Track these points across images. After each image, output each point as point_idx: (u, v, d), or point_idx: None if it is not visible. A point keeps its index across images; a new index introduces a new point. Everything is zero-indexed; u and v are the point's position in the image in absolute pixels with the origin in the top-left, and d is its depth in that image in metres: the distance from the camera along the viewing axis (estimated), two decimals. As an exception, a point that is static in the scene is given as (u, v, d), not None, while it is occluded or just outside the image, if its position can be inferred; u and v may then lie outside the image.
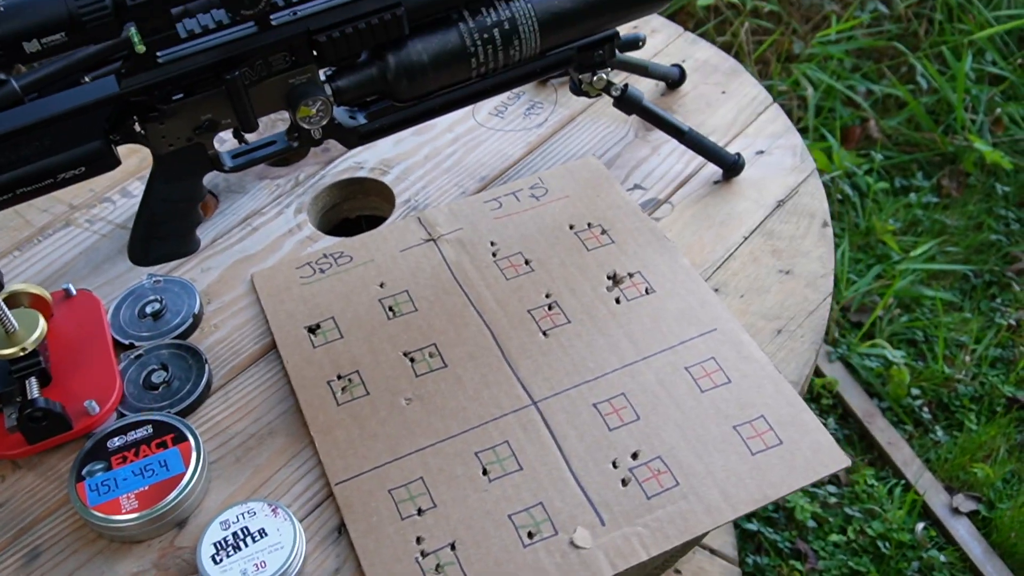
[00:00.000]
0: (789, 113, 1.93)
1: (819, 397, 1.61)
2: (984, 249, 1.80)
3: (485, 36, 0.77)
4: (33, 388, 0.72)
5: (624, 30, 1.04)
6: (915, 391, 1.61)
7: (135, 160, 0.96)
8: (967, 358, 1.64)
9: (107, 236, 0.90)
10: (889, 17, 2.01)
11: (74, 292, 0.82)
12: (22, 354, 0.71)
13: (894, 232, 1.78)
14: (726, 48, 1.93)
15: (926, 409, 1.59)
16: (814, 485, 1.51)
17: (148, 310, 0.82)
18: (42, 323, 0.72)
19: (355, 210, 0.97)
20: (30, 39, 0.63)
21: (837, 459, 0.72)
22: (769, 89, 1.93)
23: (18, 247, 0.91)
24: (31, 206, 0.94)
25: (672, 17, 1.94)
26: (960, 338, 1.67)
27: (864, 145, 1.94)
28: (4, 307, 0.70)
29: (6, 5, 0.63)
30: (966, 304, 1.73)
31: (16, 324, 0.71)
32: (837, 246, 1.75)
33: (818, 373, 1.63)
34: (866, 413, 1.58)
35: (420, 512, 0.69)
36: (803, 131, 1.89)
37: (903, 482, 1.49)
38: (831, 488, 1.51)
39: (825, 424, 1.56)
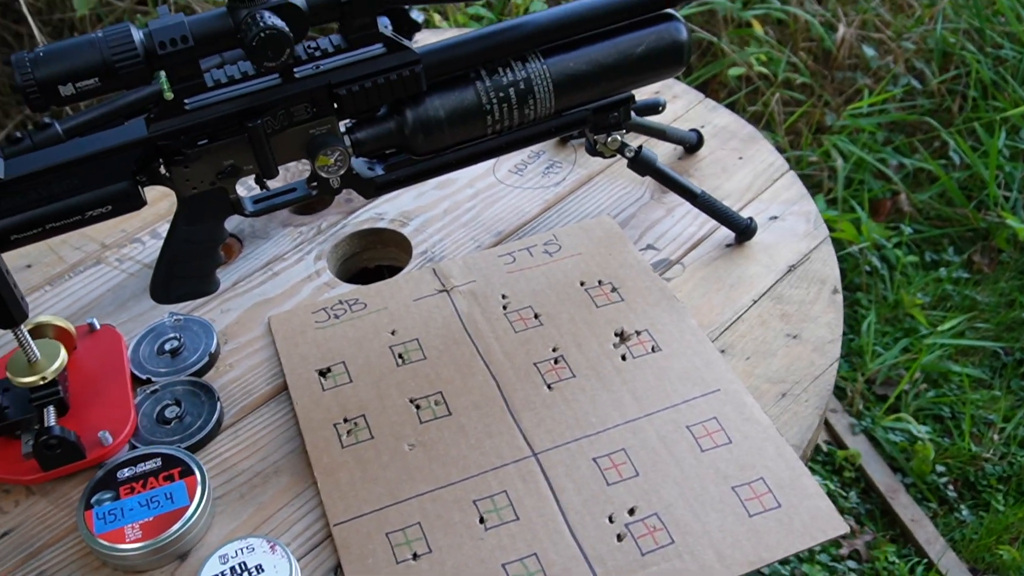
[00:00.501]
0: (819, 184, 1.94)
1: (841, 470, 1.59)
2: (1015, 327, 1.79)
3: (501, 95, 0.79)
4: (50, 416, 0.74)
5: (646, 95, 1.06)
6: (940, 468, 1.58)
7: (166, 204, 1.00)
8: (995, 436, 1.61)
9: (135, 275, 0.94)
10: (922, 92, 2.03)
11: (98, 327, 0.84)
12: (42, 383, 0.74)
13: (922, 306, 1.77)
14: (757, 118, 1.95)
15: (951, 487, 1.57)
16: (833, 559, 1.49)
17: (167, 347, 0.84)
18: (63, 354, 0.75)
19: (374, 260, 1.00)
20: (65, 83, 0.66)
21: (836, 525, 0.71)
22: (799, 160, 1.94)
23: (50, 282, 0.94)
24: (65, 243, 0.97)
25: (704, 86, 1.97)
26: (988, 416, 1.65)
27: (894, 218, 1.94)
28: (28, 337, 0.73)
29: (45, 50, 0.66)
30: (996, 382, 1.71)
31: (38, 354, 0.74)
32: (863, 318, 1.75)
33: (841, 445, 1.62)
34: (889, 488, 1.56)
35: (415, 557, 0.70)
36: (832, 202, 1.89)
37: (925, 561, 1.46)
38: (851, 563, 1.48)
39: (846, 498, 1.55)
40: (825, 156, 1.95)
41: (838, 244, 1.86)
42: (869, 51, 2.01)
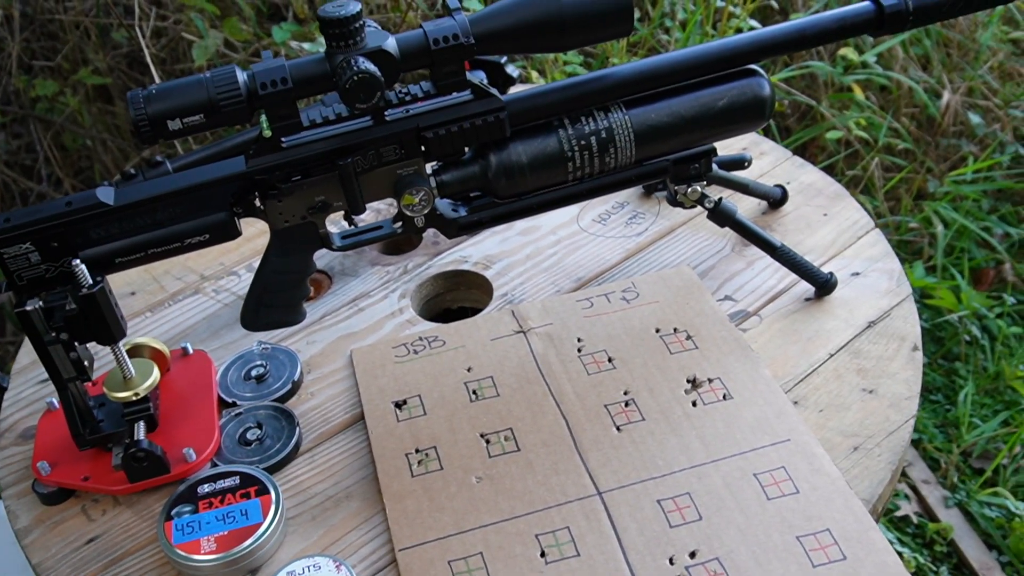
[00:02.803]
0: (919, 251, 1.90)
1: (932, 543, 1.54)
2: (1125, 405, 1.71)
3: (583, 143, 0.82)
4: (140, 431, 0.79)
5: (733, 150, 1.08)
6: (1039, 547, 1.51)
7: (262, 240, 1.05)
8: (1100, 518, 1.54)
9: (228, 305, 0.99)
10: (1030, 161, 1.98)
11: (191, 351, 0.89)
12: (134, 399, 0.78)
13: (1025, 379, 1.71)
14: (855, 182, 1.93)
15: (1050, 568, 1.50)
16: (920, 635, 1.43)
17: (253, 373, 0.89)
18: (155, 373, 0.79)
19: (456, 301, 1.03)
20: (174, 118, 0.72)
21: (902, 581, 0.70)
22: (898, 225, 1.91)
23: (151, 308, 1.00)
24: (167, 274, 1.03)
25: (802, 149, 1.96)
26: (1093, 496, 1.57)
27: (997, 288, 1.89)
28: (124, 355, 0.78)
29: (157, 88, 0.72)
30: (1102, 461, 1.63)
31: (133, 371, 0.79)
32: (960, 388, 1.70)
33: (933, 518, 1.57)
34: (983, 565, 1.50)
35: (475, 586, 0.71)
36: (931, 269, 1.86)
37: (1020, 643, 1.40)
38: (939, 641, 1.43)
39: (936, 572, 1.50)
40: (926, 223, 1.91)
41: (936, 312, 1.82)
42: (975, 118, 1.98)
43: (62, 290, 0.76)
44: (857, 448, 0.79)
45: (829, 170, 1.95)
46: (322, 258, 1.01)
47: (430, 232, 1.04)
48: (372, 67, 0.72)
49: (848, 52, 1.89)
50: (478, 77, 0.81)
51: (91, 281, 0.74)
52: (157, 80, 1.56)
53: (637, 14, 1.91)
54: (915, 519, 1.56)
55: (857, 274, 0.95)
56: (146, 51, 1.54)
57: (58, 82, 1.83)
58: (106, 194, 0.76)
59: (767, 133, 1.91)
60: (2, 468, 0.85)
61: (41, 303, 0.74)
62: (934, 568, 1.51)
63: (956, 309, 1.76)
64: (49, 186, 1.91)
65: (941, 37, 2.07)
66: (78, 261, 0.74)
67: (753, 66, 0.86)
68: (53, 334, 0.74)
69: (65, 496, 0.81)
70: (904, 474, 1.62)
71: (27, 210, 0.75)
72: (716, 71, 0.85)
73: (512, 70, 0.97)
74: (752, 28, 1.83)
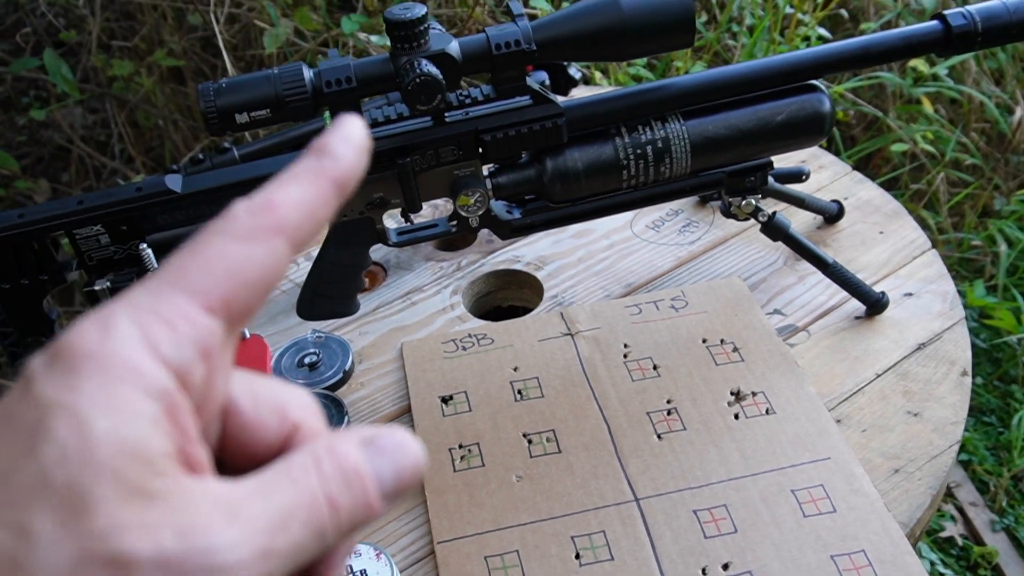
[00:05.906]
0: (980, 270, 1.87)
1: (976, 567, 1.52)
2: None
3: (638, 152, 0.83)
4: (195, 411, 0.82)
5: (792, 163, 1.08)
6: (1087, 578, 1.49)
7: (321, 232, 1.07)
8: None
9: (286, 292, 1.01)
10: (1103, 183, 1.94)
11: (248, 335, 0.92)
12: (191, 380, 0.81)
13: (1083, 405, 1.68)
14: (919, 196, 1.91)
15: (1098, 600, 1.47)
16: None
17: (306, 360, 0.91)
18: (213, 356, 0.82)
19: (507, 300, 1.04)
20: (241, 112, 0.74)
21: (935, 607, 0.70)
22: (960, 242, 1.89)
23: (211, 292, 1.03)
24: (229, 258, 1.06)
25: (866, 160, 1.94)
26: None
27: (1061, 311, 1.85)
28: (184, 337, 0.81)
29: (227, 82, 0.74)
30: None
31: (191, 354, 0.82)
32: (1016, 411, 1.67)
33: (979, 541, 1.55)
34: (1028, 592, 1.48)
35: (509, 582, 0.73)
36: (992, 289, 1.83)
37: (1061, 674, 1.38)
38: (978, 666, 1.41)
39: (978, 596, 1.48)
40: (989, 241, 1.88)
41: (995, 333, 1.79)
42: (1047, 136, 1.94)
43: (129, 271, 0.79)
44: (898, 471, 0.79)
45: (893, 182, 1.93)
46: (378, 251, 1.03)
47: (484, 231, 1.06)
48: (434, 70, 0.74)
49: (919, 64, 1.86)
50: (540, 77, 0.82)
51: (156, 265, 0.76)
52: (228, 64, 1.60)
53: (704, 17, 1.90)
54: (960, 541, 1.55)
55: (910, 294, 0.95)
56: (219, 36, 1.58)
57: (134, 62, 1.89)
58: (174, 182, 0.79)
59: (830, 143, 1.90)
60: (64, 438, 0.88)
61: (109, 283, 0.77)
62: (977, 592, 1.49)
63: (1016, 331, 1.73)
64: (121, 162, 1.97)
65: (1017, 51, 2.03)
66: (145, 245, 0.76)
67: (814, 81, 0.86)
68: (118, 314, 0.77)
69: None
70: (951, 495, 1.60)
71: (100, 193, 0.78)
72: (777, 85, 0.85)
73: (575, 71, 0.98)
74: (820, 36, 1.82)
